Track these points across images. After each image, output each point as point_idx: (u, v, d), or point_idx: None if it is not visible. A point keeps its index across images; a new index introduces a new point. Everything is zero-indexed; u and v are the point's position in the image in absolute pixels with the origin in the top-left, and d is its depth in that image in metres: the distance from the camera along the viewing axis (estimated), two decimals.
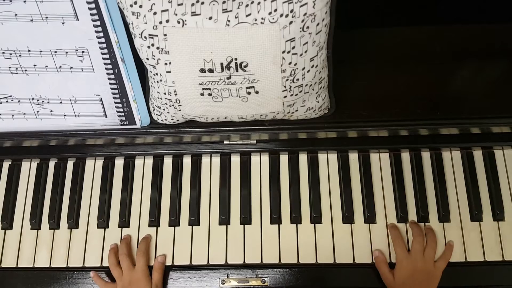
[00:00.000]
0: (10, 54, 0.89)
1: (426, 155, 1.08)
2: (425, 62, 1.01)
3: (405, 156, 1.08)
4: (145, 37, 0.79)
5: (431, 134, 1.05)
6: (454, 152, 1.08)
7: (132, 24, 0.79)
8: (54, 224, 1.07)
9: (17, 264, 1.05)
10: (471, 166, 1.06)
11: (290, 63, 0.80)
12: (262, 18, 0.75)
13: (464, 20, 1.01)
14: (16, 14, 0.83)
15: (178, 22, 0.76)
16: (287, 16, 0.74)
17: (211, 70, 0.81)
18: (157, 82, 0.86)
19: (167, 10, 0.76)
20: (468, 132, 1.04)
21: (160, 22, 0.76)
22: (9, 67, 0.90)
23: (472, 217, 1.03)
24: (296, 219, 1.04)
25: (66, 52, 0.88)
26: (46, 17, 0.84)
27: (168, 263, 1.03)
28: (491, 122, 0.99)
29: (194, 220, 1.05)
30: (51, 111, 0.96)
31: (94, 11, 0.83)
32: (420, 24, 1.01)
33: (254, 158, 1.10)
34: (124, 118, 0.97)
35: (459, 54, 1.01)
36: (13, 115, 0.97)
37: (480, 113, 0.98)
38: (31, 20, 0.84)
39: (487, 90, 1.00)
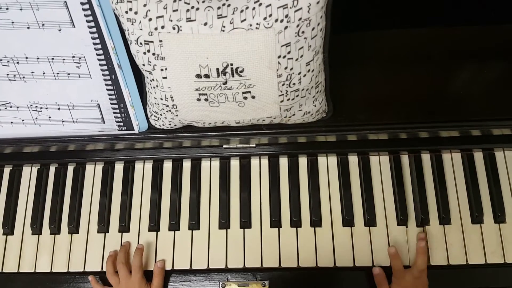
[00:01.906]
0: (8, 61, 0.89)
1: (426, 157, 1.08)
2: (424, 65, 1.00)
3: (405, 159, 1.08)
4: (141, 43, 0.79)
5: (431, 136, 1.04)
6: (455, 154, 1.07)
7: (128, 30, 0.79)
8: (55, 229, 1.08)
9: (18, 269, 1.06)
10: (471, 168, 1.06)
11: (286, 68, 0.80)
12: (257, 24, 0.74)
13: (463, 21, 1.00)
14: (12, 22, 0.84)
15: (173, 28, 0.76)
16: (282, 21, 0.74)
17: (207, 76, 0.81)
18: (154, 87, 0.87)
19: (162, 16, 0.76)
20: (468, 134, 1.03)
21: (156, 28, 0.76)
22: (7, 74, 0.91)
23: (473, 220, 1.03)
24: (296, 222, 1.04)
25: (63, 59, 0.88)
26: (43, 25, 0.84)
27: (168, 267, 1.03)
28: (491, 124, 0.98)
29: (194, 224, 1.05)
30: (50, 117, 0.97)
31: (90, 18, 0.83)
32: (417, 26, 1.00)
33: (254, 162, 1.10)
34: (122, 124, 0.97)
35: (458, 56, 1.00)
36: (12, 122, 0.98)
37: (480, 115, 0.97)
38: (28, 28, 0.84)
39: (487, 92, 0.99)
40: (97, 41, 0.86)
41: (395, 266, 0.99)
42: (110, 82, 0.91)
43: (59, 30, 0.85)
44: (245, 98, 0.84)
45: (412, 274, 0.96)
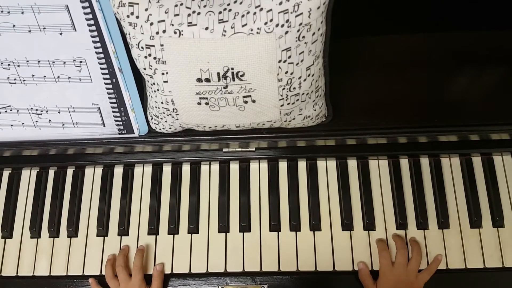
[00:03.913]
0: (9, 64, 0.89)
1: (425, 162, 1.08)
2: (423, 70, 1.01)
3: (404, 163, 1.08)
4: (142, 48, 0.80)
5: (430, 140, 1.05)
6: (453, 159, 1.08)
7: (129, 34, 0.80)
8: (54, 232, 1.07)
9: (17, 272, 1.06)
10: (470, 173, 1.06)
11: (286, 72, 0.81)
12: (258, 28, 0.75)
13: (461, 27, 1.01)
14: (14, 25, 0.84)
15: (175, 33, 0.76)
16: (282, 26, 0.74)
17: (207, 80, 0.81)
18: (155, 91, 0.87)
19: (163, 20, 0.76)
20: (467, 138, 1.03)
21: (157, 33, 0.77)
22: (8, 78, 0.91)
23: (472, 224, 1.03)
24: (295, 226, 1.04)
25: (64, 62, 0.88)
26: (44, 28, 0.84)
27: (167, 271, 1.03)
28: (489, 129, 0.99)
29: (193, 228, 1.05)
30: (50, 120, 0.97)
31: (92, 22, 0.83)
32: (417, 31, 1.01)
33: (253, 166, 1.10)
34: (122, 127, 0.97)
35: (456, 61, 1.01)
36: (12, 125, 0.98)
37: (479, 120, 0.98)
38: (29, 31, 0.85)
39: (486, 97, 1.00)
40: (98, 44, 0.86)
41: (380, 248, 1.00)
42: (110, 86, 0.91)
43: (60, 34, 0.85)
44: (246, 102, 0.85)
45: (394, 271, 0.97)
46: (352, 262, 1.02)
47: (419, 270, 0.99)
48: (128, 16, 0.77)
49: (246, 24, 0.75)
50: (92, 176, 1.12)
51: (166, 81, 0.83)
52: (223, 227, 1.05)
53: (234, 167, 1.10)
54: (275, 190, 1.07)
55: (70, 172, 1.12)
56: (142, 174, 1.11)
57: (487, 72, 1.01)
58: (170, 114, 0.90)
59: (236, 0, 0.75)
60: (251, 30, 0.75)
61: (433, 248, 1.02)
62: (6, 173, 1.14)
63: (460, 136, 1.02)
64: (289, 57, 0.79)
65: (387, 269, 0.98)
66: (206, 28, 0.75)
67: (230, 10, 0.75)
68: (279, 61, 0.79)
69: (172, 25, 0.76)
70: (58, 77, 0.90)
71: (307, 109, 0.91)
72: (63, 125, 0.97)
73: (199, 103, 0.85)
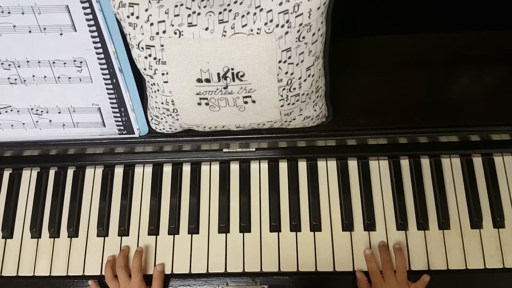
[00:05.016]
0: (9, 65, 0.89)
1: (425, 162, 1.08)
2: (423, 70, 1.01)
3: (405, 163, 1.08)
4: (142, 48, 0.80)
5: (430, 141, 1.05)
6: (454, 159, 1.08)
7: (129, 34, 0.80)
8: (54, 232, 1.07)
9: (17, 272, 1.06)
10: (470, 173, 1.06)
11: (286, 73, 0.81)
12: (258, 29, 0.75)
13: (462, 27, 1.01)
14: (14, 26, 0.84)
15: (175, 33, 0.76)
16: (283, 26, 0.74)
17: (208, 80, 0.81)
18: (155, 92, 0.87)
19: (163, 21, 0.76)
20: (467, 139, 1.03)
21: (157, 33, 0.77)
22: (8, 78, 0.91)
23: (472, 224, 1.03)
24: (295, 227, 1.04)
25: (64, 63, 0.88)
26: (44, 28, 0.84)
27: (168, 271, 1.03)
28: (490, 129, 0.99)
29: (194, 228, 1.05)
30: (50, 121, 0.97)
31: (92, 22, 0.83)
32: (418, 31, 1.01)
33: (254, 166, 1.10)
34: (122, 128, 0.97)
35: (457, 61, 1.01)
36: (12, 125, 0.98)
37: (480, 121, 0.98)
38: (30, 32, 0.85)
39: (486, 97, 1.00)
40: (99, 45, 0.86)
41: (370, 269, 0.99)
42: (111, 86, 0.91)
43: (61, 34, 0.85)
44: (246, 102, 0.85)
45: (387, 286, 0.96)
46: (352, 263, 1.01)
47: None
48: (128, 17, 0.77)
49: (246, 25, 0.75)
50: (93, 176, 1.12)
51: (166, 82, 0.83)
52: (223, 228, 1.05)
53: (234, 168, 1.10)
54: (276, 191, 1.07)
55: (70, 172, 1.12)
56: (143, 174, 1.11)
57: (487, 72, 1.01)
58: (170, 115, 0.90)
59: (236, 1, 0.75)
60: (251, 30, 0.75)
61: (433, 249, 1.02)
62: (6, 173, 1.14)
63: (460, 137, 1.02)
64: (289, 57, 0.79)
65: (377, 278, 0.98)
66: (206, 29, 0.75)
67: (230, 10, 0.75)
68: (279, 62, 0.79)
69: (172, 25, 0.76)
70: (59, 77, 0.90)
71: (307, 110, 0.91)
72: (64, 125, 0.97)
73: (199, 104, 0.85)
